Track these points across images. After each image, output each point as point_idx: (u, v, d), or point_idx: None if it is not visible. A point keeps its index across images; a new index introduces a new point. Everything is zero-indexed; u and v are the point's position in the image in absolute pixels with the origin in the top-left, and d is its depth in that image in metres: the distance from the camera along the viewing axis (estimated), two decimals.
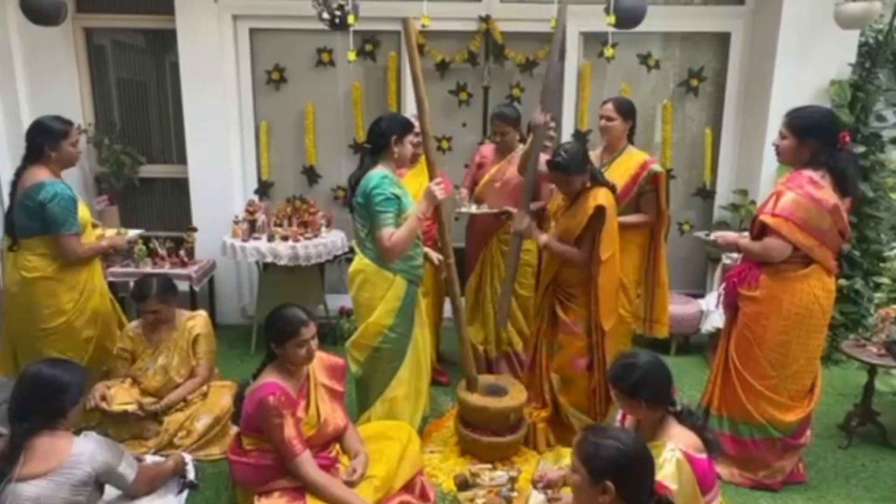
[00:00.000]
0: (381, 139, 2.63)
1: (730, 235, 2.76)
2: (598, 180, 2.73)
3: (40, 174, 2.71)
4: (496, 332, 3.52)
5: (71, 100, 4.32)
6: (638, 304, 3.17)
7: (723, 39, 4.40)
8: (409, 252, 2.67)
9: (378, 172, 2.60)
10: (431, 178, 2.69)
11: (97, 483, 1.90)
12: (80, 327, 2.86)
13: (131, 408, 2.80)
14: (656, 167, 3.00)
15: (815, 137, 2.46)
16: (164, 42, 4.40)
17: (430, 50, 4.24)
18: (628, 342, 3.15)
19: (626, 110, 3.05)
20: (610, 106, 3.05)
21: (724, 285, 2.76)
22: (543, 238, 2.79)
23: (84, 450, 1.87)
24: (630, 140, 3.13)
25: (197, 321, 3.01)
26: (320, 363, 2.51)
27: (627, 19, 3.54)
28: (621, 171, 3.02)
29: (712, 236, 2.80)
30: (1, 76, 4.09)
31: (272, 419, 2.22)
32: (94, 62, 4.47)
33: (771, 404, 2.60)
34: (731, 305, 2.69)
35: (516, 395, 2.83)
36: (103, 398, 2.75)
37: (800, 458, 2.76)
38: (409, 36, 2.61)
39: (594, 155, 3.11)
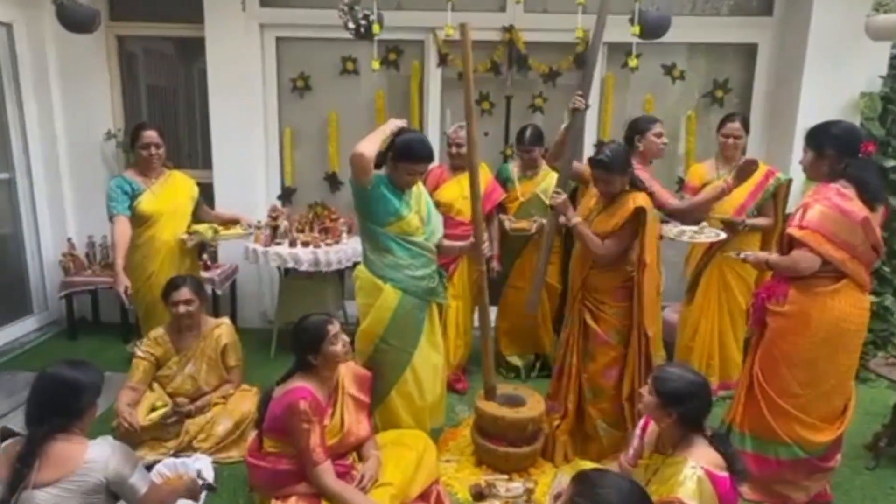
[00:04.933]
0: (388, 150, 2.60)
1: (760, 254, 2.74)
2: (638, 186, 2.72)
3: (126, 172, 3.33)
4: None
5: (102, 106, 4.42)
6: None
7: (749, 50, 4.36)
8: (406, 262, 2.62)
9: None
10: (474, 186, 2.65)
11: (109, 491, 1.83)
12: (139, 303, 3.31)
13: (164, 411, 2.82)
14: (783, 176, 3.24)
15: (832, 149, 2.43)
16: (193, 50, 4.49)
17: (454, 59, 4.25)
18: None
19: (748, 125, 3.32)
20: (737, 125, 3.27)
21: (752, 301, 2.71)
22: (575, 218, 2.75)
23: (98, 456, 1.79)
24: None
25: (223, 330, 3.03)
26: (349, 372, 2.53)
27: (652, 30, 3.53)
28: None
29: (742, 255, 2.74)
30: (36, 82, 4.22)
31: (300, 424, 2.23)
32: (126, 69, 4.57)
33: (799, 424, 2.53)
34: (759, 321, 2.62)
35: (534, 405, 2.81)
36: (129, 423, 2.72)
37: (826, 479, 2.69)
38: (466, 42, 2.55)
39: (707, 165, 3.40)
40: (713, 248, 3.29)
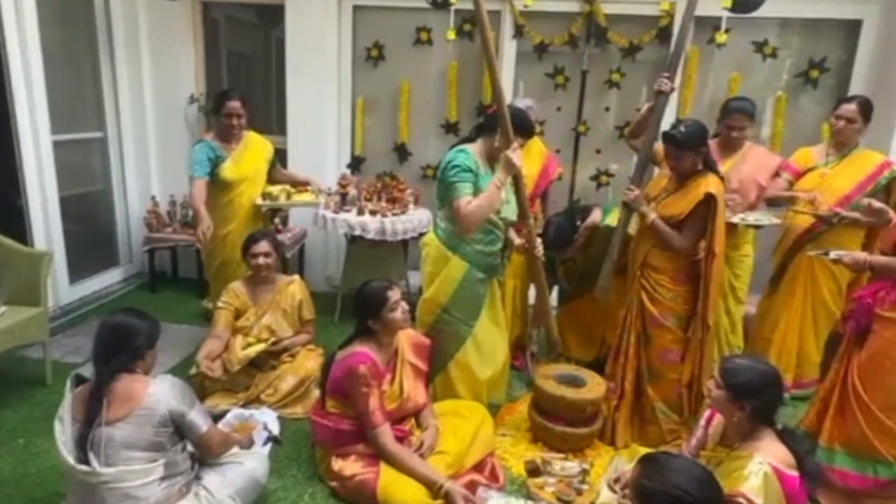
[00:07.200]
0: (493, 122, 2.57)
1: (858, 255, 2.45)
2: (711, 167, 2.63)
3: (208, 135, 3.41)
4: None
5: (186, 70, 4.60)
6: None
7: (852, 27, 4.03)
8: (478, 237, 2.61)
9: (461, 148, 2.58)
10: (518, 187, 2.59)
11: (175, 424, 1.96)
12: (212, 261, 3.45)
13: (262, 346, 3.00)
14: None
15: None
16: (273, 18, 4.57)
17: (530, 31, 4.16)
18: None
19: (868, 111, 2.98)
20: (853, 107, 2.96)
21: (852, 304, 2.48)
22: (652, 215, 2.67)
23: (158, 391, 1.93)
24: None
25: (296, 286, 3.20)
26: (408, 340, 2.58)
27: (746, 3, 3.32)
28: (854, 168, 2.96)
29: (832, 255, 2.48)
30: (128, 46, 4.43)
31: (359, 387, 2.31)
32: (209, 36, 4.71)
33: None
34: (861, 327, 2.39)
35: (594, 387, 2.78)
36: (210, 368, 2.89)
37: None
38: (481, 13, 2.40)
39: (816, 150, 3.16)
40: (804, 239, 3.08)
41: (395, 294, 2.44)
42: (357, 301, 2.49)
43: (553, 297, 3.65)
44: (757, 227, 3.05)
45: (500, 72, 4.29)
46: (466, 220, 2.49)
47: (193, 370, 2.98)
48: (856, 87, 4.04)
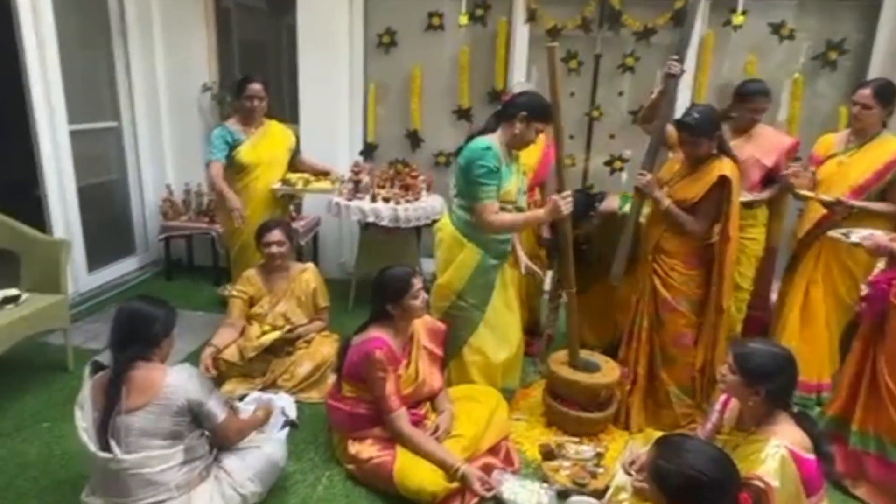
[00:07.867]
0: (513, 109, 2.56)
1: (880, 238, 2.35)
2: (726, 151, 2.61)
3: (226, 121, 3.49)
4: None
5: (198, 59, 4.60)
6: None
7: (871, 7, 3.95)
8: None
9: (485, 142, 2.56)
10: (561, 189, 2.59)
11: (193, 413, 1.97)
12: (231, 246, 3.56)
13: (277, 334, 3.03)
14: None
15: None
16: (284, 5, 4.56)
17: (543, 15, 4.12)
18: None
19: (887, 96, 2.83)
20: (868, 92, 2.83)
21: (868, 291, 2.42)
22: (666, 201, 2.66)
23: (177, 380, 1.94)
24: (884, 125, 2.92)
25: (310, 274, 3.21)
26: (424, 326, 2.60)
27: None
28: (872, 156, 2.85)
29: (854, 237, 2.41)
30: (142, 35, 4.45)
31: (376, 372, 2.34)
32: (221, 24, 4.71)
33: None
34: (877, 313, 2.35)
35: (608, 372, 2.78)
36: (207, 368, 2.88)
37: None
38: (553, 64, 2.43)
39: (838, 137, 3.04)
40: (821, 228, 2.93)
41: (418, 282, 2.45)
42: (378, 285, 2.49)
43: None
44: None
45: (513, 58, 4.27)
46: (488, 227, 2.55)
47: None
48: (875, 69, 3.97)
